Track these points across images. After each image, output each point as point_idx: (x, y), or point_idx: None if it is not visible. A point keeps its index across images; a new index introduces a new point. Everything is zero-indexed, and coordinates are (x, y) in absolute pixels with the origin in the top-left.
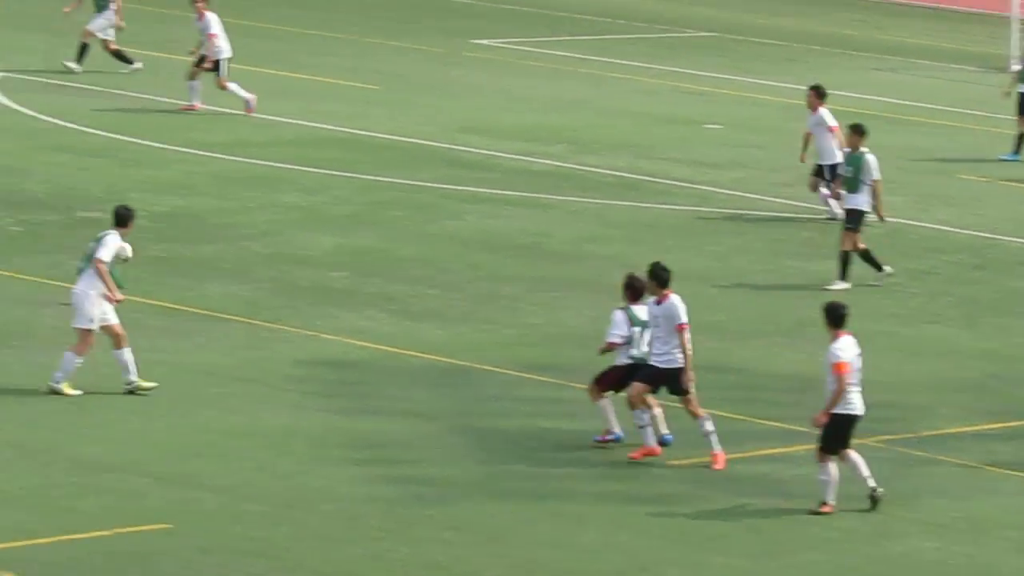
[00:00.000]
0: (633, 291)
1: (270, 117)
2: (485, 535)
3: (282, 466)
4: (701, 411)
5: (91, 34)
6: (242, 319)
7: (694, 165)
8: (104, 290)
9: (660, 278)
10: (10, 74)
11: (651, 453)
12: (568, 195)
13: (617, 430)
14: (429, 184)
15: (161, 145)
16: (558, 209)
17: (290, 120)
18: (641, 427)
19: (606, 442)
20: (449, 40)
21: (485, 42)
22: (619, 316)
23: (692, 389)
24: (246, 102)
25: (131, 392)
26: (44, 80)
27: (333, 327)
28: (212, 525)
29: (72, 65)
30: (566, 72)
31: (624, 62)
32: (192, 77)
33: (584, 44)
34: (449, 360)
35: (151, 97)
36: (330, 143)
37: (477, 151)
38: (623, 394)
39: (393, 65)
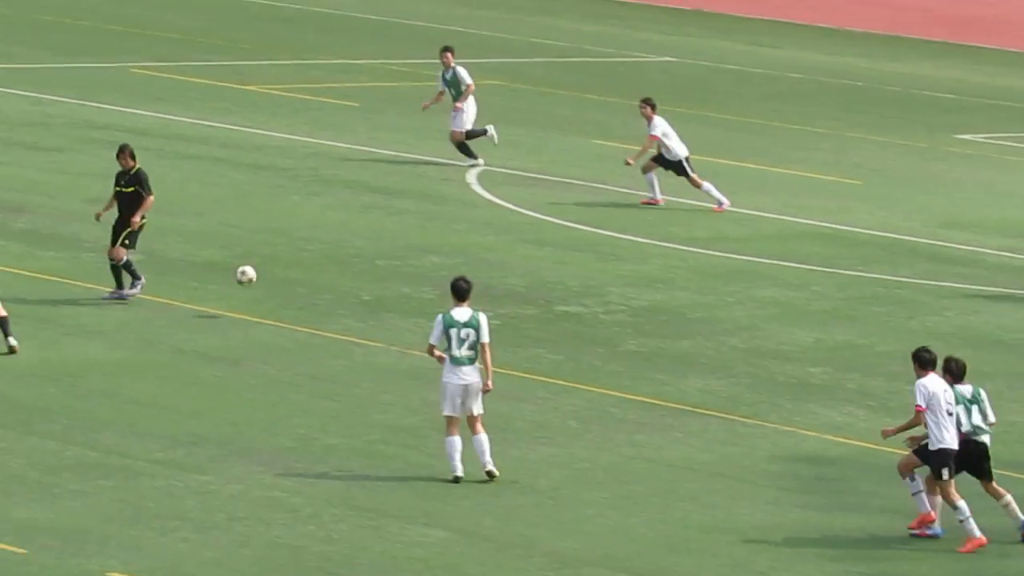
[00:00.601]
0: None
1: (750, 211)
2: None
3: (758, 563)
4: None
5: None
6: (720, 414)
7: None
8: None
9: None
10: (491, 168)
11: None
12: None
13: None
14: (910, 280)
15: (641, 239)
16: None
17: (771, 214)
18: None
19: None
20: (932, 134)
21: (968, 137)
22: None
23: None
24: (719, 201)
25: (490, 476)
26: (523, 174)
27: (811, 423)
28: None
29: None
30: None
31: None
32: (647, 171)
33: None
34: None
35: (630, 191)
36: (811, 238)
37: (959, 247)
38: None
39: (875, 159)
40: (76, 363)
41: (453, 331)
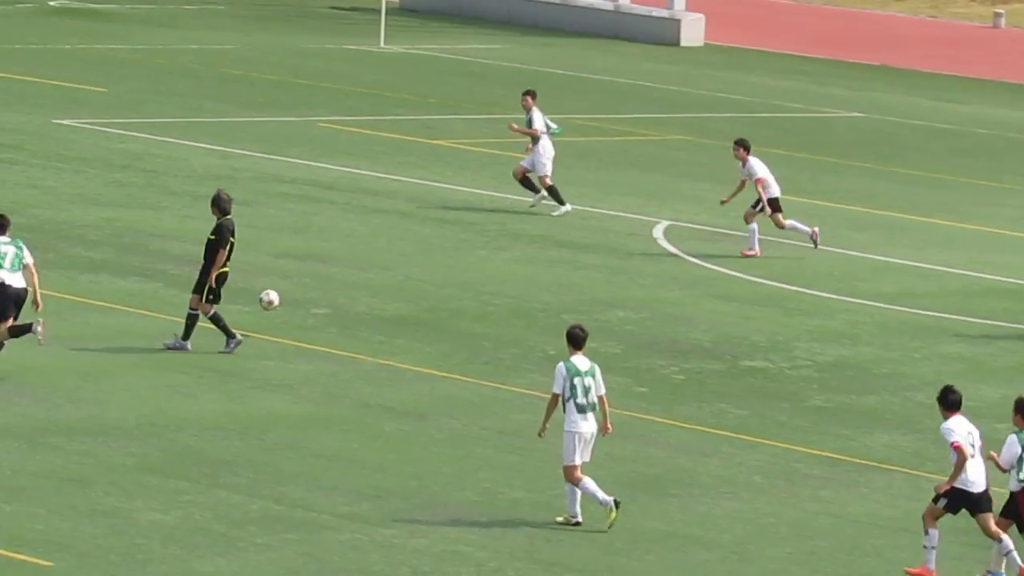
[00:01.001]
0: None
1: (937, 267)
2: None
3: None
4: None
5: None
6: (906, 469)
7: None
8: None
9: None
10: (677, 222)
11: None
12: None
13: None
14: None
15: (826, 294)
16: None
17: (957, 270)
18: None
19: None
20: None
21: None
22: None
23: None
24: (810, 235)
25: (617, 505)
26: (709, 229)
27: (998, 479)
28: None
29: (535, 199)
30: None
31: None
32: (749, 220)
33: None
34: None
35: (817, 247)
36: (997, 294)
37: None
38: None
39: None
40: (262, 416)
41: (577, 380)
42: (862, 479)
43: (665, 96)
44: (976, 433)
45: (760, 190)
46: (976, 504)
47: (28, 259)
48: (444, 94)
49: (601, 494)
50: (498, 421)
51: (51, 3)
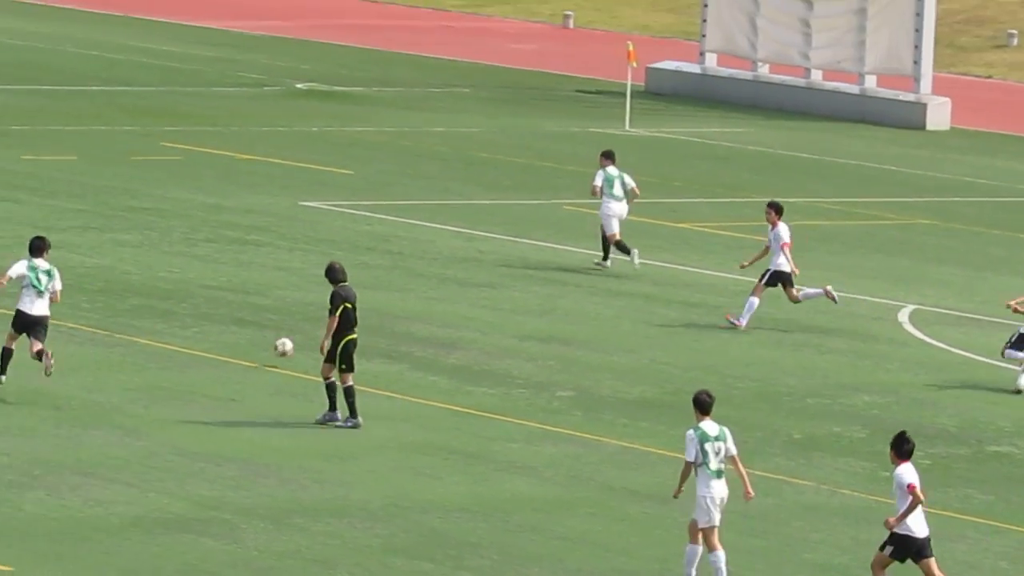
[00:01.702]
0: None
1: None
2: None
3: None
4: None
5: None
6: None
7: None
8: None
9: None
10: (923, 306)
11: None
12: None
13: None
14: None
15: None
16: None
17: None
18: None
19: None
20: None
21: None
22: None
23: None
24: (825, 293)
25: None
26: (956, 313)
27: None
28: None
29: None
30: None
31: None
32: (755, 293)
33: None
34: None
35: None
36: None
37: None
38: None
39: None
40: (506, 498)
41: (708, 445)
42: None
43: (911, 180)
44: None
45: (787, 254)
46: (920, 551)
47: (58, 286)
48: (689, 177)
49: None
50: (742, 505)
51: (298, 86)
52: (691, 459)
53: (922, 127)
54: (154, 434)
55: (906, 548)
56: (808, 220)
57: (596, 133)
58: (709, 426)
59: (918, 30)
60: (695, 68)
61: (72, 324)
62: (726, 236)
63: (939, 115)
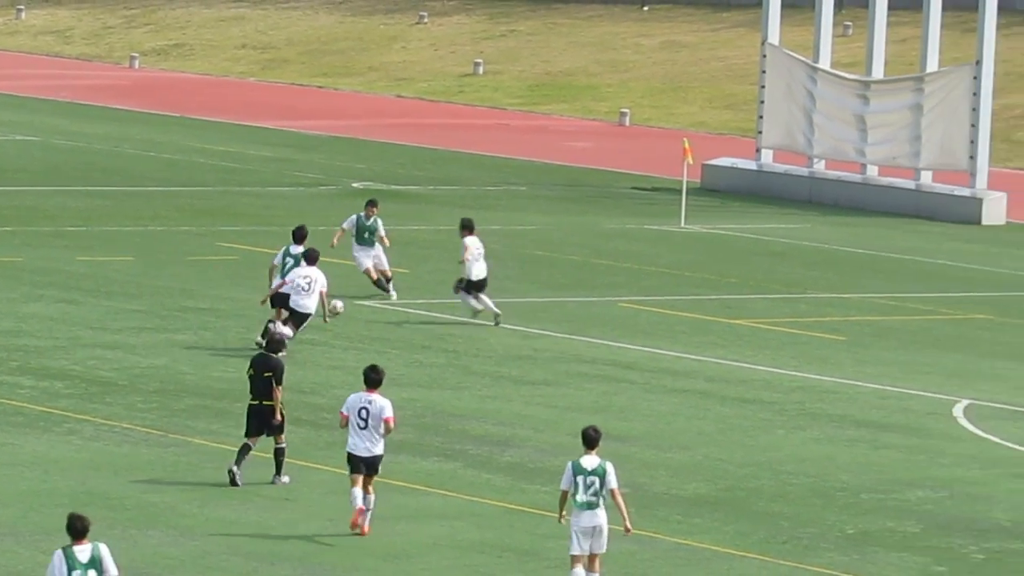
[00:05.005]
0: None
1: None
2: None
3: None
4: None
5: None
6: None
7: None
8: None
9: None
10: (977, 401)
11: None
12: None
13: None
14: None
15: None
16: None
17: None
18: None
19: None
20: None
21: None
22: None
23: None
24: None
25: None
26: (1011, 408)
27: None
28: None
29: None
30: None
31: None
32: None
33: None
34: None
35: None
36: None
37: None
38: None
39: None
40: None
41: (579, 478)
42: None
43: (967, 275)
44: None
45: None
46: None
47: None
48: (744, 273)
49: None
50: None
51: (354, 185)
52: (564, 487)
53: (978, 222)
54: (208, 534)
55: None
56: (864, 316)
57: (652, 230)
58: (587, 460)
59: (974, 125)
60: (751, 164)
61: (127, 424)
62: (781, 332)
63: (995, 210)
